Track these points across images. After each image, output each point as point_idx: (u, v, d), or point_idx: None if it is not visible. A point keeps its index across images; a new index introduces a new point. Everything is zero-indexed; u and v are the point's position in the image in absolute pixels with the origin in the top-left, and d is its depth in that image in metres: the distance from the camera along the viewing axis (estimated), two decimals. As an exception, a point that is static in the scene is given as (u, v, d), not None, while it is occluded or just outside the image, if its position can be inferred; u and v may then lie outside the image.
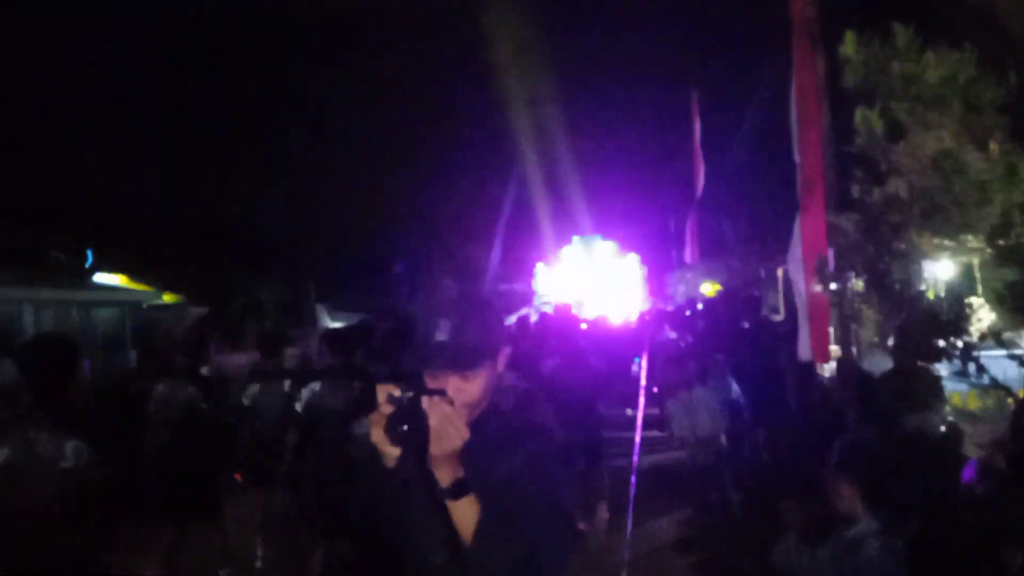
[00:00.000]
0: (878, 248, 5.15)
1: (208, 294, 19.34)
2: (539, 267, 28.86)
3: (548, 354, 7.11)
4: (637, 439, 9.25)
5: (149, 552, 4.19)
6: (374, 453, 1.70)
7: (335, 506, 2.05)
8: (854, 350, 5.74)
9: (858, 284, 5.61)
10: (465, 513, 1.73)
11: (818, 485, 3.66)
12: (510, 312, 15.79)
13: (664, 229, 31.82)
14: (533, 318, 11.85)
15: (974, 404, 5.43)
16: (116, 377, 7.50)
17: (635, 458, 9.46)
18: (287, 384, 5.69)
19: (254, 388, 5.74)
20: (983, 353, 5.01)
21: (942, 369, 5.21)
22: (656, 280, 30.09)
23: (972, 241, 5.44)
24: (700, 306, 14.28)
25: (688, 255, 25.01)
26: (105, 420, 3.80)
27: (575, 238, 29.25)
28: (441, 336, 1.88)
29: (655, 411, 11.77)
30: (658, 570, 6.32)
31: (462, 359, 1.88)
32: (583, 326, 12.00)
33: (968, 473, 3.40)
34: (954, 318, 4.96)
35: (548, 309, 15.71)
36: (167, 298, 18.85)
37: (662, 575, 6.28)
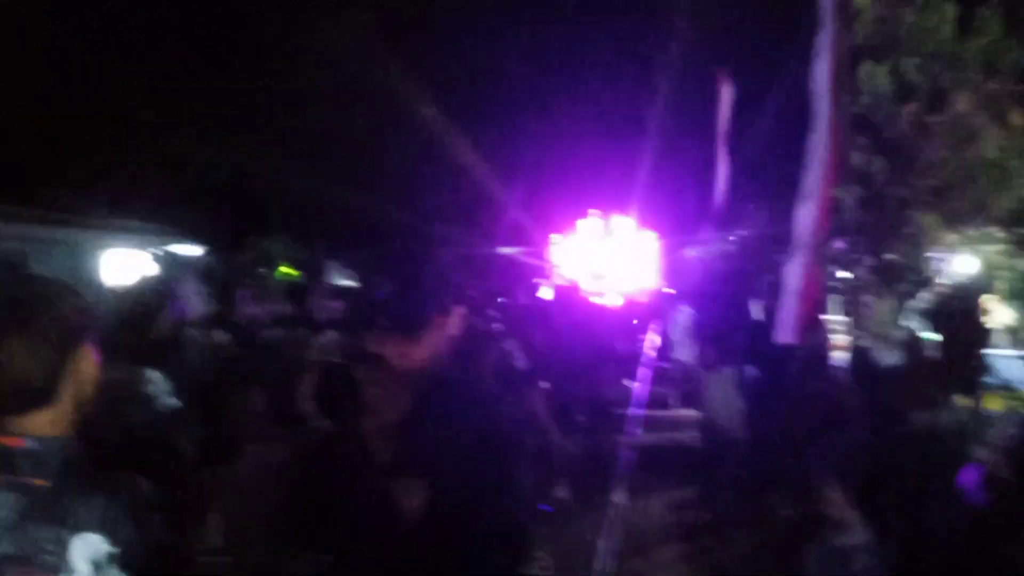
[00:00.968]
0: (883, 228, 4.68)
1: (220, 242, 19.31)
2: (554, 238, 28.67)
3: (546, 328, 6.96)
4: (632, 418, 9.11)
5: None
6: (306, 423, 1.53)
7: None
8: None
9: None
10: (408, 491, 1.56)
11: (809, 481, 3.51)
12: (521, 283, 15.64)
13: (684, 208, 31.46)
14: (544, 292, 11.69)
15: (996, 404, 5.10)
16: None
17: (628, 437, 9.37)
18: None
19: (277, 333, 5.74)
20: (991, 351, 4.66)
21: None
22: (674, 258, 29.81)
23: (985, 230, 4.85)
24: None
25: (707, 233, 24.70)
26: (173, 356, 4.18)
27: (591, 211, 28.99)
28: (384, 296, 1.68)
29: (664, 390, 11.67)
30: (637, 555, 6.18)
31: (406, 319, 1.65)
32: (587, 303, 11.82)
33: (968, 478, 3.20)
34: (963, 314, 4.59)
35: (559, 282, 15.55)
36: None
37: (641, 561, 6.11)
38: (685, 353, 8.93)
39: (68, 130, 19.37)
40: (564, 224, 29.22)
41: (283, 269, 25.03)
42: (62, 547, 1.54)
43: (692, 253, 26.80)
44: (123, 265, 14.75)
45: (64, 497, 1.57)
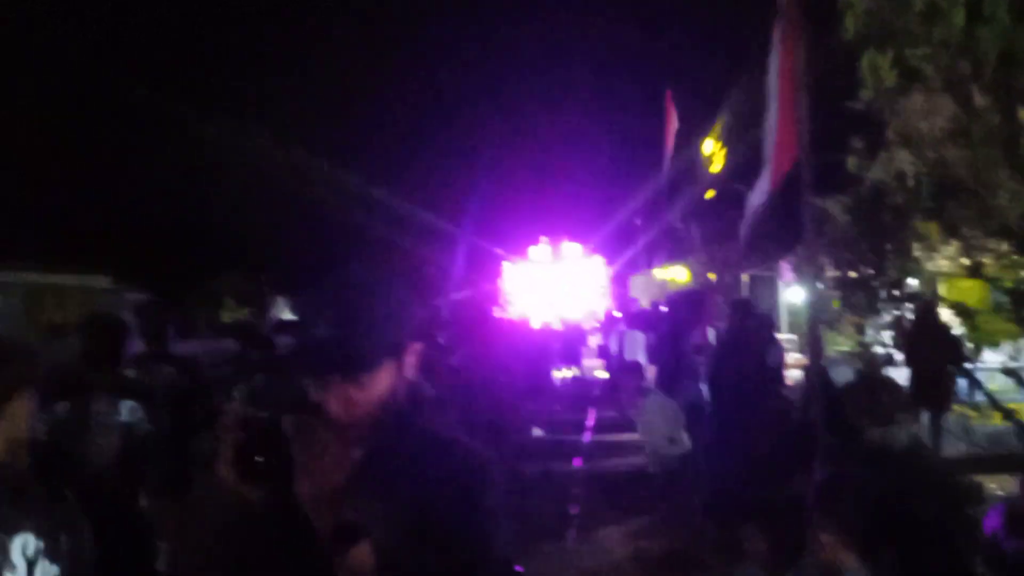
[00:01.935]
0: (871, 239, 4.44)
1: (163, 282, 18.79)
2: (505, 266, 28.73)
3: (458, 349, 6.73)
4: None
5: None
6: (225, 492, 1.32)
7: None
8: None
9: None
10: (357, 564, 1.36)
11: (781, 509, 3.39)
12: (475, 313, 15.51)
13: (631, 232, 31.77)
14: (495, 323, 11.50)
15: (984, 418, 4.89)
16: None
17: (577, 463, 9.22)
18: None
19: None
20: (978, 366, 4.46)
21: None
22: (621, 282, 30.05)
23: (989, 241, 4.44)
24: (664, 308, 14.10)
25: (654, 258, 24.90)
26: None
27: (542, 238, 29.16)
28: (325, 331, 1.44)
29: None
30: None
31: (352, 360, 1.43)
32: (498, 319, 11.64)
33: (992, 522, 3.03)
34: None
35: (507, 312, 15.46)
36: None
37: None
38: (633, 375, 8.85)
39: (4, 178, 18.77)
40: (515, 251, 29.31)
41: (230, 305, 24.48)
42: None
43: (641, 278, 27.02)
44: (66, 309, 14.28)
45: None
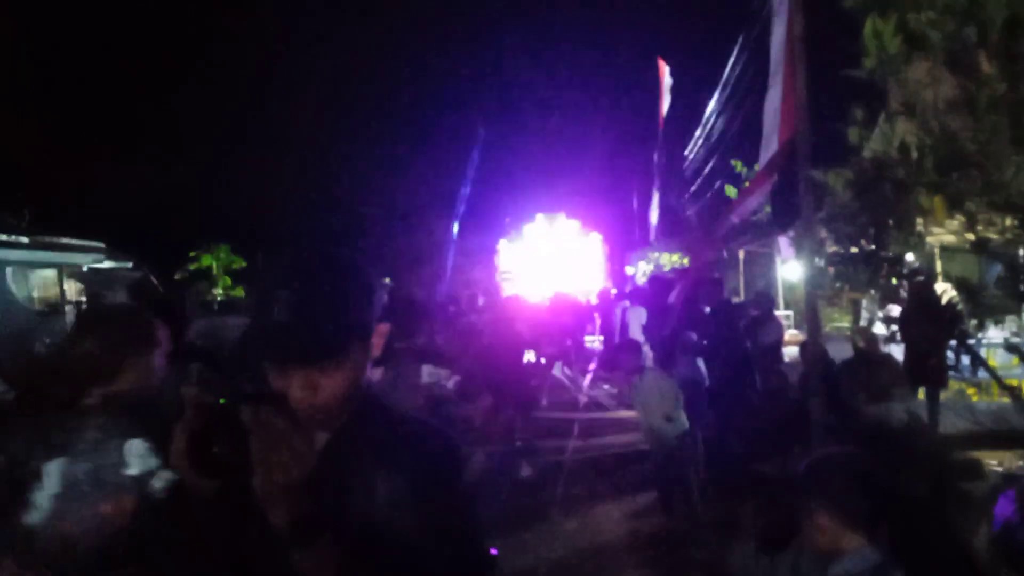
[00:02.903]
0: (872, 213, 4.33)
1: (157, 258, 18.67)
2: (502, 243, 28.65)
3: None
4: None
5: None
6: (179, 484, 1.23)
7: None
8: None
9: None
10: (318, 563, 1.23)
11: (779, 487, 3.32)
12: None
13: (628, 209, 31.69)
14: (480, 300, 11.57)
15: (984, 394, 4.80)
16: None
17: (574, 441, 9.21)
18: None
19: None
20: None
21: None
22: (618, 259, 30.00)
23: (994, 215, 4.30)
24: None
25: (651, 235, 24.80)
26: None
27: (539, 216, 29.06)
28: (285, 314, 1.32)
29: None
30: (597, 568, 5.95)
31: (315, 345, 1.33)
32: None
33: (1004, 509, 2.93)
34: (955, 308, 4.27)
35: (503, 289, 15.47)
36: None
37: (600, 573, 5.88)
38: (631, 353, 8.81)
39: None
40: (510, 227, 29.16)
41: (225, 283, 24.33)
42: None
43: (638, 255, 26.94)
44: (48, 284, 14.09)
45: None
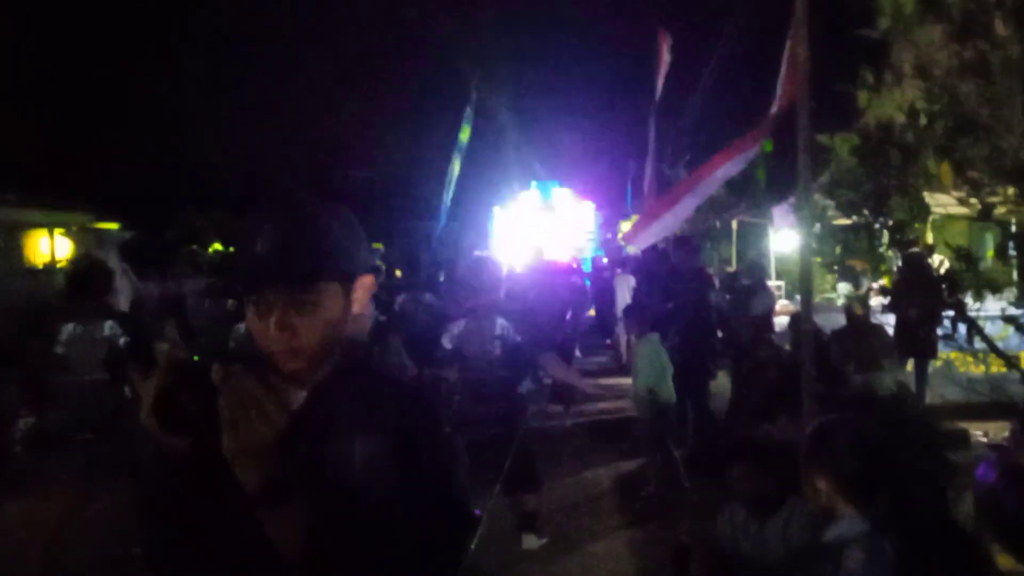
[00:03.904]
0: (876, 179, 4.24)
1: (146, 220, 18.56)
2: (495, 210, 28.54)
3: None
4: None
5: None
6: (151, 440, 1.21)
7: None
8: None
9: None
10: (287, 526, 1.22)
11: (768, 452, 3.31)
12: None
13: (622, 179, 31.61)
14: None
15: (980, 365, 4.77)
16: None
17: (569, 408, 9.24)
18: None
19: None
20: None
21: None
22: (611, 228, 29.97)
23: (998, 183, 4.24)
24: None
25: (644, 204, 24.70)
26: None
27: (533, 183, 28.92)
28: (265, 245, 1.32)
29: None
30: (579, 530, 5.93)
31: (293, 268, 1.32)
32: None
33: (986, 475, 2.93)
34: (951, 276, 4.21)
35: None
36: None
37: (584, 537, 5.82)
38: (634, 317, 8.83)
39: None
40: (504, 196, 29.04)
41: (216, 247, 24.20)
42: None
43: (630, 224, 26.89)
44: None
45: None
